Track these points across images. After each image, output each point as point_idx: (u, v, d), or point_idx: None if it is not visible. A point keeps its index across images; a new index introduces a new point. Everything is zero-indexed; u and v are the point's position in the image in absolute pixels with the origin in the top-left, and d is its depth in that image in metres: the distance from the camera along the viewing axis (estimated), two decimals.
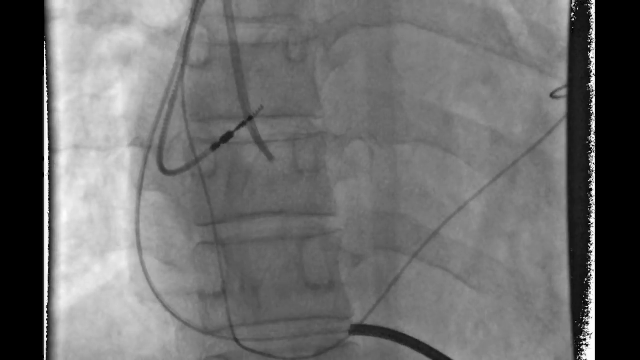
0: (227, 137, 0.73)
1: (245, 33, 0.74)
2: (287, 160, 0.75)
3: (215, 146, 0.73)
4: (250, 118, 0.73)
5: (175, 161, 0.74)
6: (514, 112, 0.75)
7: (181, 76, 0.73)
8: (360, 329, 0.75)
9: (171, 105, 0.73)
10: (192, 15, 0.73)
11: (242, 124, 0.73)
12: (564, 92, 0.74)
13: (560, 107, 0.75)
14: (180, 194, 0.74)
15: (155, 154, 0.73)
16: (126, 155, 0.73)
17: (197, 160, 0.73)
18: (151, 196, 0.73)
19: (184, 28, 0.73)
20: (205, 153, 0.73)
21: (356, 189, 0.76)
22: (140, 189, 0.73)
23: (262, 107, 0.72)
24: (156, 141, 0.73)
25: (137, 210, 0.73)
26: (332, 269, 0.76)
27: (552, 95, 0.74)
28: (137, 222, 0.73)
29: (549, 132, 0.74)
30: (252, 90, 0.75)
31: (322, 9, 0.75)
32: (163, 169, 0.73)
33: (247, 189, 0.75)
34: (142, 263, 0.72)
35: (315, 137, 0.75)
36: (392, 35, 0.75)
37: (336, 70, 0.76)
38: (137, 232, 0.72)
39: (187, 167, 0.73)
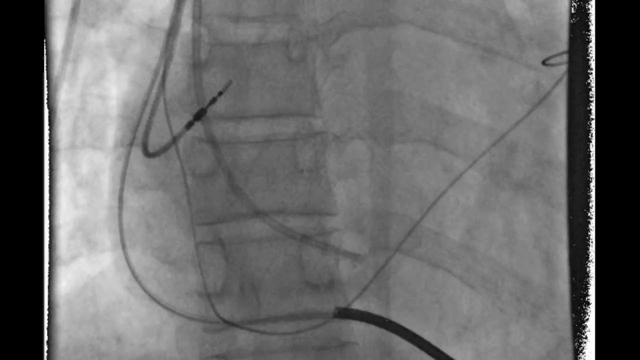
0: (200, 114, 0.73)
1: (245, 33, 0.74)
2: (287, 160, 0.75)
3: (189, 124, 0.73)
4: (220, 93, 0.73)
5: (157, 148, 0.74)
6: (514, 112, 0.75)
7: (166, 68, 0.73)
8: (346, 313, 0.75)
9: (158, 97, 0.73)
10: (175, 9, 0.73)
11: (213, 100, 0.73)
12: (557, 59, 0.74)
13: (561, 107, 0.75)
14: (180, 193, 0.74)
15: (141, 142, 0.73)
16: (125, 153, 0.73)
17: (174, 140, 0.73)
18: (152, 195, 0.73)
19: (169, 22, 0.73)
20: (181, 132, 0.73)
21: (356, 188, 0.76)
22: (122, 183, 0.73)
23: (230, 82, 0.73)
24: (143, 131, 0.73)
25: (120, 207, 0.73)
26: (331, 268, 0.76)
27: (545, 63, 0.74)
28: (120, 217, 0.73)
29: (528, 115, 0.74)
30: (252, 90, 0.75)
31: (322, 8, 0.75)
32: (147, 153, 0.73)
33: (248, 188, 0.75)
34: (128, 260, 0.72)
35: (315, 137, 0.75)
36: (392, 35, 0.76)
37: (336, 70, 0.76)
38: (121, 229, 0.72)
39: (166, 147, 0.73)
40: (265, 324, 0.74)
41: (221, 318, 0.74)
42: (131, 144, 0.73)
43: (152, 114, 0.73)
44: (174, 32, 0.73)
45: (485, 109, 0.75)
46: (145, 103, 0.73)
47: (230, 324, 0.74)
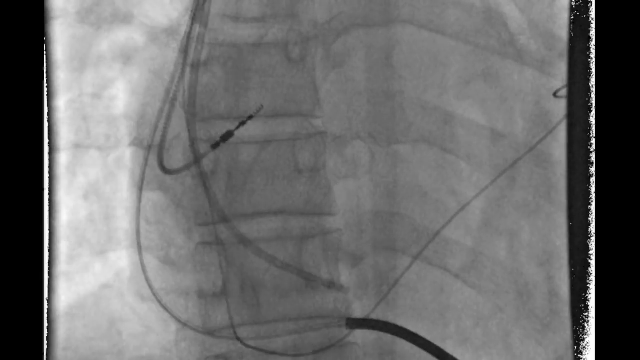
0: (227, 136, 0.73)
1: (245, 33, 0.74)
2: (287, 161, 0.75)
3: (215, 145, 0.73)
4: (250, 117, 0.73)
5: (176, 161, 0.74)
6: (514, 111, 0.75)
7: (182, 76, 0.73)
8: (358, 323, 0.75)
9: (172, 105, 0.73)
10: (193, 15, 0.73)
11: (242, 123, 0.73)
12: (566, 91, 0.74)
13: (561, 106, 0.75)
14: (180, 194, 0.74)
15: (155, 153, 0.73)
16: (127, 155, 0.73)
17: (197, 160, 0.73)
18: (151, 196, 0.73)
19: (184, 28, 0.73)
20: (205, 152, 0.73)
21: (356, 188, 0.76)
22: (140, 189, 0.73)
23: (262, 107, 0.73)
24: (157, 141, 0.73)
25: (138, 210, 0.73)
26: (332, 269, 0.76)
27: (556, 95, 0.74)
28: (138, 221, 0.73)
29: (550, 132, 0.74)
30: (252, 90, 0.75)
31: (322, 9, 0.75)
32: (164, 169, 0.73)
33: (247, 189, 0.75)
34: (142, 263, 0.73)
35: (315, 137, 0.75)
36: (392, 35, 0.75)
37: (336, 70, 0.76)
38: (138, 232, 0.73)
39: (188, 166, 0.73)
40: (270, 338, 0.74)
41: (223, 337, 0.74)
42: (133, 143, 0.73)
43: (158, 118, 0.73)
44: (176, 34, 0.73)
45: (485, 108, 0.75)
46: (148, 105, 0.73)
47: (228, 337, 0.74)
